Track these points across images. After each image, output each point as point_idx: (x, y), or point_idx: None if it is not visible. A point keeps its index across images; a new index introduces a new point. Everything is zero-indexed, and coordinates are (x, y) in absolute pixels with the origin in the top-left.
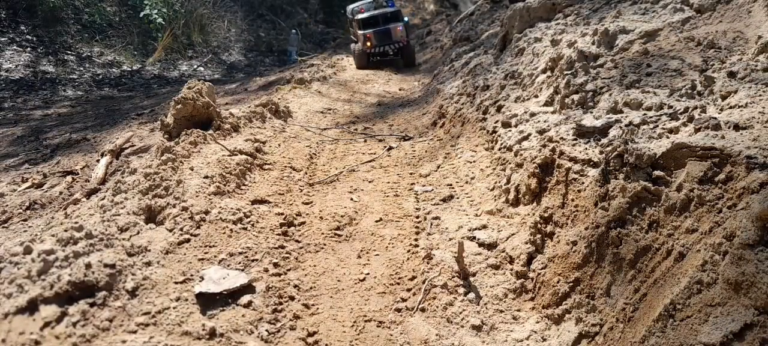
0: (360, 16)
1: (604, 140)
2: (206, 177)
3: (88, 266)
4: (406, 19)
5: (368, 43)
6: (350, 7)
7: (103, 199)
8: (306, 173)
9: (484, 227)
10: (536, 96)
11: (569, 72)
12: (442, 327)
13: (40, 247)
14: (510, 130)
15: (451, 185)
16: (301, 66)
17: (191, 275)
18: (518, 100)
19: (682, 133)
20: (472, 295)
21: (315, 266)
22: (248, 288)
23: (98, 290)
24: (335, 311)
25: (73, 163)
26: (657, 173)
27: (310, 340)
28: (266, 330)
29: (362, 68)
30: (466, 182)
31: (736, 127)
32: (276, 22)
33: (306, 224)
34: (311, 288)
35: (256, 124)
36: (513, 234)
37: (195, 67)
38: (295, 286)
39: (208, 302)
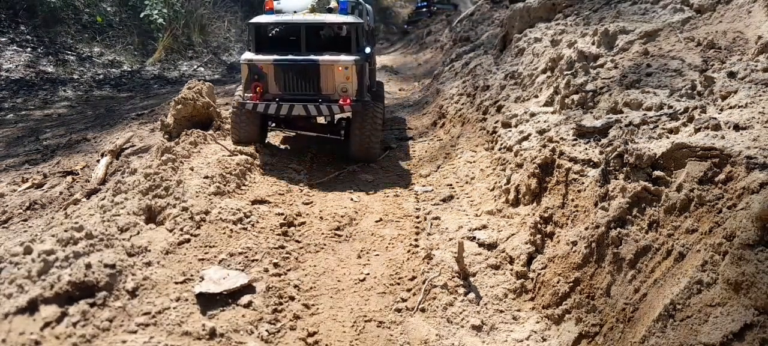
0: (258, 19)
1: (604, 140)
2: (206, 177)
3: (89, 266)
4: (369, 49)
5: (257, 90)
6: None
7: (103, 199)
8: (306, 173)
9: (484, 227)
10: (536, 96)
11: (569, 72)
12: (442, 327)
13: (41, 247)
14: (510, 131)
15: (451, 185)
16: None
17: (191, 276)
18: (518, 101)
19: (682, 133)
20: (472, 295)
21: (315, 266)
22: (248, 288)
23: (98, 290)
24: (335, 311)
25: (73, 163)
26: (657, 173)
27: (310, 340)
28: (266, 330)
29: (243, 142)
30: (466, 182)
31: (736, 127)
32: None
33: (306, 224)
34: (311, 288)
35: None
36: (513, 234)
37: (195, 67)
38: (295, 286)
39: (208, 302)
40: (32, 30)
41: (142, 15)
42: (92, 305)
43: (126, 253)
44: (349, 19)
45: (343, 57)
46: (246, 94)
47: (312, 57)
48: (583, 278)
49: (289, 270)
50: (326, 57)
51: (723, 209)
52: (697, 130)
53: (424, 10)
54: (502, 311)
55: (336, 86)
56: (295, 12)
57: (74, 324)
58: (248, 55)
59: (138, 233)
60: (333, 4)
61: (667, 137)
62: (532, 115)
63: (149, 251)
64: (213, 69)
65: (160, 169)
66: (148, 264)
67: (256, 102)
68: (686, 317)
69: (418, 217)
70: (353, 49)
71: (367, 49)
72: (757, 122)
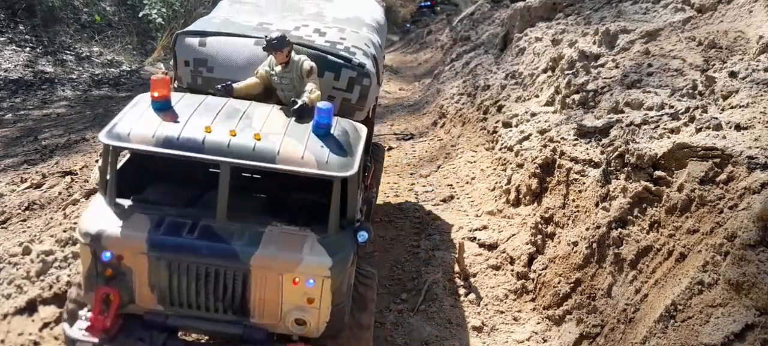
0: (122, 132)
1: (605, 140)
2: None
3: None
4: (366, 234)
5: (110, 303)
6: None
7: None
8: None
9: (485, 227)
10: (537, 96)
11: (570, 72)
12: (443, 328)
13: (39, 248)
14: (510, 130)
15: (451, 185)
16: None
17: None
18: (519, 100)
19: (684, 133)
20: (472, 296)
21: None
22: None
23: None
24: None
25: (72, 163)
26: (658, 173)
27: None
28: None
29: None
30: (467, 183)
31: (738, 127)
32: None
33: None
34: None
35: None
36: (514, 235)
37: None
38: None
39: None
40: (31, 29)
41: (140, 14)
42: None
43: None
44: (332, 163)
45: (306, 255)
46: (83, 311)
47: (234, 245)
48: (584, 279)
49: None
50: (267, 250)
51: (724, 209)
52: (698, 130)
53: (428, 8)
54: (502, 312)
55: (283, 313)
56: (228, 85)
57: None
58: (93, 219)
59: None
60: (309, 91)
61: (668, 137)
62: (533, 114)
63: None
64: None
65: None
66: None
67: (98, 339)
68: (687, 317)
69: (418, 217)
70: (332, 226)
71: (364, 234)
72: (759, 122)
